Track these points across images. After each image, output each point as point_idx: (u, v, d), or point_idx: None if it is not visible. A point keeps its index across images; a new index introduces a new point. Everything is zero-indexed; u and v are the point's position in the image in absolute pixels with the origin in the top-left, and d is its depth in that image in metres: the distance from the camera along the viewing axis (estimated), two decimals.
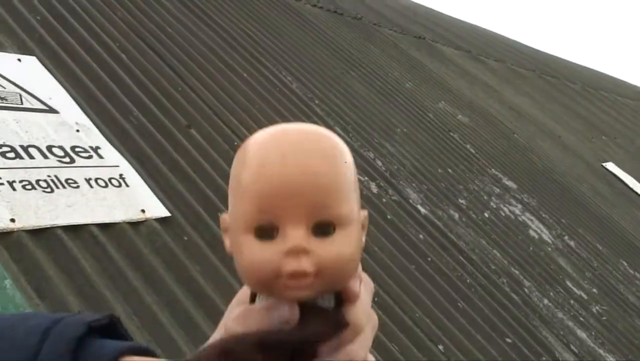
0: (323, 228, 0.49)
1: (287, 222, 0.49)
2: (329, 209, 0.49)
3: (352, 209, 0.51)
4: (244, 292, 0.57)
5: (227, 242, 0.54)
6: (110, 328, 0.62)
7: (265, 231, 0.49)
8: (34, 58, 2.58)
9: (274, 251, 0.49)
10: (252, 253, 0.50)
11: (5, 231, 1.76)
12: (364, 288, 0.55)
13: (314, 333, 0.52)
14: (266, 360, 0.50)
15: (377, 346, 2.38)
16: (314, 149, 0.50)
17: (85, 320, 0.58)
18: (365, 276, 0.56)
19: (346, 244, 0.50)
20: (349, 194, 0.51)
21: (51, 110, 2.35)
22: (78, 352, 0.56)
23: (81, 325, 0.57)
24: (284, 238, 0.49)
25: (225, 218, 0.54)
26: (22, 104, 2.29)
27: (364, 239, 0.54)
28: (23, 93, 2.35)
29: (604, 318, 3.79)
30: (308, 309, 0.52)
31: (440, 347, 2.64)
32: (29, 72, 2.48)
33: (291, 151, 0.50)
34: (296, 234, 0.48)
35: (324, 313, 0.53)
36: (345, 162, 0.51)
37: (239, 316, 0.53)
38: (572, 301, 3.72)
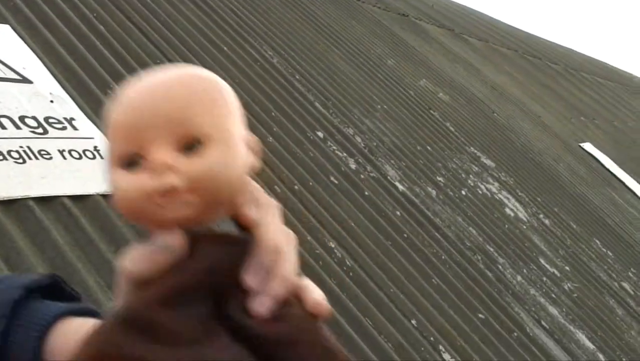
0: (191, 147, 0.49)
1: (150, 146, 0.49)
2: (192, 121, 0.49)
3: (224, 124, 0.50)
4: None
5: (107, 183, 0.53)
6: (55, 289, 0.61)
7: (133, 162, 0.49)
8: (7, 27, 2.55)
9: (142, 176, 0.49)
10: (121, 183, 0.50)
11: None
12: (264, 210, 0.53)
13: (219, 259, 0.49)
14: (181, 321, 0.47)
15: (350, 320, 2.41)
16: (174, 79, 0.51)
17: (23, 283, 0.57)
18: (264, 198, 0.54)
19: (219, 157, 0.49)
20: (219, 111, 0.50)
21: (25, 80, 2.33)
22: (14, 316, 0.55)
23: (18, 287, 0.56)
24: (149, 162, 0.49)
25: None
26: None
27: (255, 162, 0.52)
28: None
29: (575, 295, 3.85)
30: (203, 238, 0.50)
31: (414, 322, 2.68)
32: (2, 41, 2.45)
33: (153, 83, 0.51)
34: (159, 154, 0.48)
35: (224, 236, 0.51)
36: (217, 87, 0.51)
37: (124, 262, 0.50)
38: (544, 278, 3.78)
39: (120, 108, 0.51)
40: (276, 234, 0.52)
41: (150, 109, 0.49)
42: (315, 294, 0.52)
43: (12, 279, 0.59)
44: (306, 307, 0.51)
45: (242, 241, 0.52)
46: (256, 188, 0.54)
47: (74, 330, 0.55)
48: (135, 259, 0.50)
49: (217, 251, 0.50)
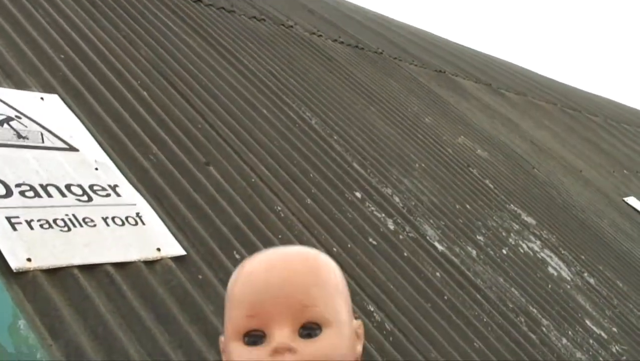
0: (309, 330, 0.51)
1: (274, 326, 0.51)
2: (313, 309, 0.51)
3: (338, 311, 0.52)
4: None
5: (224, 358, 0.55)
6: None
7: (254, 338, 0.52)
8: (56, 96, 2.65)
9: (262, 353, 0.51)
10: (241, 358, 0.52)
11: (21, 270, 1.80)
12: None
13: None
14: None
15: None
16: (296, 259, 0.54)
17: None
18: None
19: (333, 344, 0.51)
20: (333, 297, 0.52)
21: (71, 148, 2.40)
22: None
23: None
24: (270, 340, 0.51)
25: (222, 339, 0.56)
26: (43, 142, 2.35)
27: (359, 348, 0.54)
28: (44, 132, 2.40)
29: (624, 357, 3.72)
30: None
31: None
32: (51, 110, 2.54)
33: (276, 261, 0.54)
34: (281, 334, 0.50)
35: None
36: (330, 269, 0.54)
37: None
38: (591, 341, 3.66)
39: (240, 282, 0.55)
40: None
41: (275, 291, 0.53)
42: None
43: None
44: None
45: None
46: None
47: None
48: None
49: None
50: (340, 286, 0.54)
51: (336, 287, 0.53)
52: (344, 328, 0.52)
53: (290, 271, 0.52)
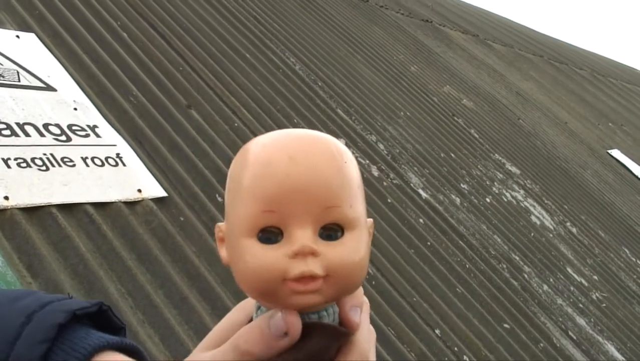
0: (330, 231, 0.47)
1: (294, 223, 0.46)
2: (337, 210, 0.47)
3: (361, 213, 0.49)
4: (246, 300, 0.55)
5: (224, 252, 0.51)
6: (103, 315, 0.61)
7: (269, 234, 0.47)
8: (32, 35, 2.57)
9: (279, 254, 0.46)
10: (256, 257, 0.47)
11: None
12: (364, 310, 0.53)
13: (320, 351, 0.49)
14: None
15: (373, 329, 2.37)
16: (321, 151, 0.48)
17: (70, 307, 0.57)
18: (362, 294, 0.54)
19: (355, 248, 0.48)
20: (357, 197, 0.48)
21: (49, 88, 2.34)
22: (57, 340, 0.55)
23: (65, 312, 0.56)
24: (289, 240, 0.46)
25: (221, 226, 0.51)
26: (19, 81, 2.28)
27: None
28: (21, 70, 2.33)
29: (604, 305, 3.78)
30: (312, 326, 0.49)
31: (437, 331, 2.64)
32: (27, 49, 2.47)
33: (298, 150, 0.48)
34: (304, 235, 0.46)
35: (331, 329, 0.50)
36: (353, 165, 0.49)
37: (239, 340, 0.50)
38: (572, 288, 3.71)
39: (255, 171, 0.48)
40: (366, 339, 0.53)
41: (299, 187, 0.47)
42: None
43: (62, 302, 0.59)
44: None
45: (343, 336, 0.51)
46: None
47: None
48: (251, 341, 0.49)
49: (321, 343, 0.49)
50: (361, 183, 0.50)
51: (359, 185, 0.49)
52: (364, 231, 0.49)
53: (316, 164, 0.47)
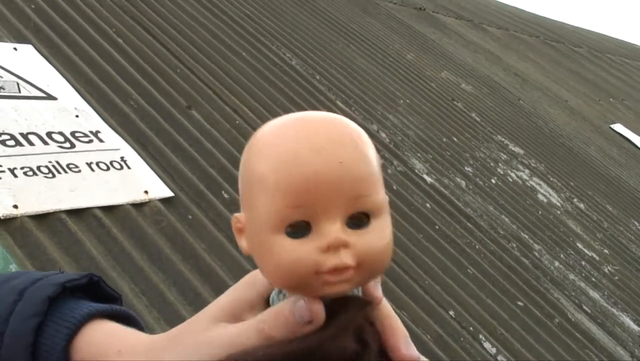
0: (357, 219, 0.47)
1: (322, 216, 0.46)
2: (366, 198, 0.47)
3: (385, 197, 0.48)
4: (253, 276, 0.54)
5: (244, 243, 0.50)
6: (96, 288, 0.61)
7: (297, 229, 0.46)
8: (30, 46, 2.59)
9: (311, 248, 0.46)
10: (287, 252, 0.46)
11: (8, 217, 1.78)
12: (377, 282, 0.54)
13: (345, 327, 0.49)
14: None
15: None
16: (344, 139, 0.47)
17: (59, 280, 0.57)
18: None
19: (382, 234, 0.48)
20: (380, 182, 0.48)
21: (49, 97, 2.36)
22: (49, 314, 0.56)
23: (54, 285, 0.57)
24: (319, 233, 0.46)
25: (239, 217, 0.51)
26: (19, 92, 2.30)
27: None
28: (20, 81, 2.35)
29: (616, 277, 3.78)
30: (335, 303, 0.49)
31: (452, 313, 2.65)
32: (25, 60, 2.48)
33: (322, 140, 0.46)
34: (334, 228, 0.46)
35: (354, 301, 0.50)
36: (372, 146, 0.49)
37: (261, 324, 0.50)
38: (583, 263, 3.71)
39: (279, 165, 0.47)
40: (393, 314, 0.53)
41: (327, 179, 0.46)
42: None
43: (52, 277, 0.60)
44: None
45: (368, 305, 0.51)
46: None
47: (102, 333, 0.56)
48: (276, 327, 0.49)
49: (348, 316, 0.50)
50: (379, 163, 0.50)
51: (380, 170, 0.49)
52: (387, 216, 0.48)
53: (342, 155, 0.46)
